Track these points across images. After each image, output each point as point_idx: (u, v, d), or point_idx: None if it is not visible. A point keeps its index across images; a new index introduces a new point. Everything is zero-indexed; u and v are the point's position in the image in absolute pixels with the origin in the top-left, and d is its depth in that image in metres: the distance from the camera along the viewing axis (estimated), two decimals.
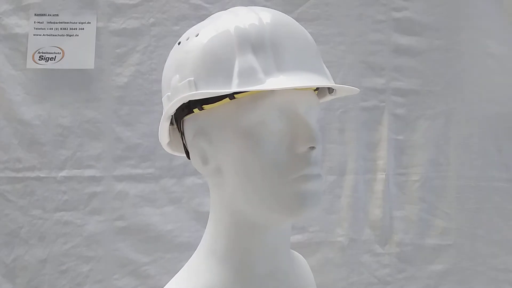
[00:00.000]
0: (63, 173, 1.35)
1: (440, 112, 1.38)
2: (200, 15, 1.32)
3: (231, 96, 0.66)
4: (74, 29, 1.37)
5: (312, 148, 0.66)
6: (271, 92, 0.65)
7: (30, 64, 1.35)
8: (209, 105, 0.68)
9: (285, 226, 0.73)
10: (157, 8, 1.37)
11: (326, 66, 0.72)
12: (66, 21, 1.37)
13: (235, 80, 0.64)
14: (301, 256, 0.86)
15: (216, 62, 0.66)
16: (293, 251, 0.84)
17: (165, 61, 0.78)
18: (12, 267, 1.33)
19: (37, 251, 1.33)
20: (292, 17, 0.71)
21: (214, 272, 0.72)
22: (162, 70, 0.75)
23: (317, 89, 0.73)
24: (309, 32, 0.72)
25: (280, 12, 0.71)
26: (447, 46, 1.38)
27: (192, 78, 0.67)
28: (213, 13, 0.74)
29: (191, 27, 0.74)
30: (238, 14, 0.69)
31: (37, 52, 1.35)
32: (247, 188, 0.68)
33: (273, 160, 0.66)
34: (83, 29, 1.37)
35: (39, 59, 1.35)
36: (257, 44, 0.65)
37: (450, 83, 1.38)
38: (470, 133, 1.37)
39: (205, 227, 0.75)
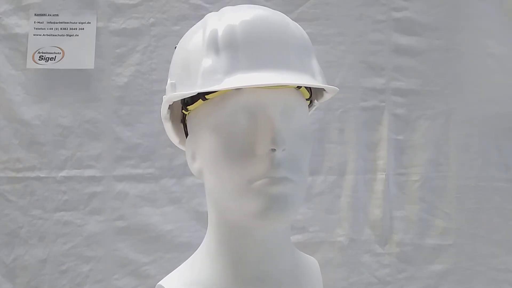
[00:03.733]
0: (63, 173, 1.35)
1: (440, 112, 1.38)
2: (200, 15, 1.31)
3: (203, 97, 0.68)
4: (74, 29, 1.37)
5: (273, 150, 0.64)
6: (237, 91, 0.66)
7: (30, 64, 1.35)
8: (190, 106, 0.70)
9: (277, 229, 0.71)
10: (157, 8, 1.38)
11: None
12: (66, 21, 1.37)
13: (199, 81, 0.66)
14: (313, 259, 0.83)
15: (188, 64, 0.69)
16: (306, 255, 0.81)
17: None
18: (12, 267, 1.33)
19: (37, 251, 1.33)
20: (292, 17, 0.71)
21: (207, 270, 0.73)
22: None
23: (302, 87, 0.72)
24: (309, 32, 0.72)
25: (267, 10, 0.71)
26: (447, 46, 1.38)
27: (174, 81, 0.70)
28: None
29: (191, 27, 0.75)
30: (222, 15, 0.70)
31: (37, 52, 1.35)
32: (219, 189, 0.69)
33: (239, 161, 0.65)
34: (83, 29, 1.37)
35: (39, 59, 1.35)
36: (223, 44, 0.66)
37: (450, 83, 1.38)
38: (470, 133, 1.37)
39: (205, 227, 0.76)
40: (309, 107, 0.78)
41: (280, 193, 0.65)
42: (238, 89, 0.66)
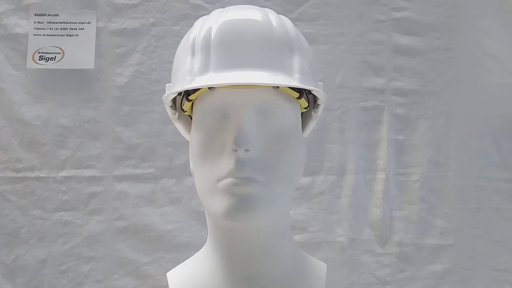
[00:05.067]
0: (63, 173, 1.35)
1: (440, 112, 1.38)
2: (200, 15, 1.31)
3: (187, 98, 0.70)
4: (74, 29, 1.37)
5: (234, 150, 0.64)
6: (211, 92, 0.67)
7: (30, 64, 1.35)
8: (184, 106, 0.73)
9: (264, 229, 0.71)
10: (157, 8, 1.37)
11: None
12: (66, 21, 1.37)
13: (177, 83, 0.69)
14: (321, 265, 0.80)
15: (175, 67, 0.72)
16: (314, 259, 0.79)
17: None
18: (12, 267, 1.33)
19: (37, 251, 1.33)
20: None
21: (205, 266, 0.75)
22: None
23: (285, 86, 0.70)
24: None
25: (250, 9, 0.71)
26: (447, 46, 1.38)
27: (170, 83, 0.73)
28: None
29: (191, 27, 0.76)
30: (207, 18, 0.71)
31: (37, 52, 1.35)
32: (199, 188, 0.71)
33: (210, 160, 0.67)
34: (83, 29, 1.37)
35: (39, 59, 1.35)
36: (199, 46, 0.67)
37: (450, 83, 1.38)
38: (470, 133, 1.37)
39: (205, 227, 0.77)
40: (314, 108, 0.77)
41: (243, 193, 0.64)
42: (212, 90, 0.67)
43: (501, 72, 1.38)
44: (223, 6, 1.31)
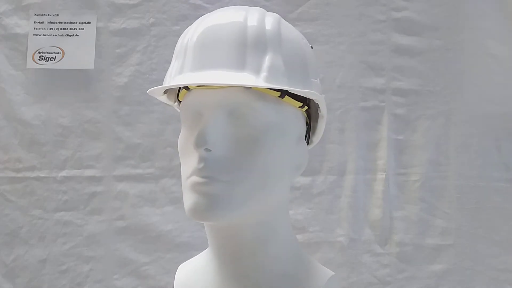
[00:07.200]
0: (63, 173, 1.35)
1: (440, 112, 1.38)
2: (200, 15, 1.31)
3: (178, 100, 0.74)
4: (74, 29, 1.37)
5: (196, 149, 0.65)
6: (189, 93, 0.70)
7: (30, 64, 1.35)
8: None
9: (245, 230, 0.70)
10: (157, 8, 1.38)
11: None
12: (66, 21, 1.37)
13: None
14: (326, 273, 0.75)
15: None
16: (320, 266, 0.76)
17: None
18: (12, 267, 1.33)
19: (37, 251, 1.33)
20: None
21: (204, 263, 0.76)
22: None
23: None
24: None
25: (230, 10, 0.71)
26: (447, 46, 1.38)
27: None
28: None
29: None
30: (194, 23, 0.72)
31: (37, 52, 1.36)
32: None
33: (184, 158, 0.69)
34: (83, 29, 1.37)
35: (39, 59, 1.35)
36: (180, 48, 0.70)
37: (450, 83, 1.38)
38: (470, 133, 1.37)
39: (204, 227, 0.77)
40: (318, 107, 0.76)
41: (205, 192, 0.65)
42: (190, 91, 0.69)
43: (501, 72, 1.38)
44: (223, 6, 1.30)
